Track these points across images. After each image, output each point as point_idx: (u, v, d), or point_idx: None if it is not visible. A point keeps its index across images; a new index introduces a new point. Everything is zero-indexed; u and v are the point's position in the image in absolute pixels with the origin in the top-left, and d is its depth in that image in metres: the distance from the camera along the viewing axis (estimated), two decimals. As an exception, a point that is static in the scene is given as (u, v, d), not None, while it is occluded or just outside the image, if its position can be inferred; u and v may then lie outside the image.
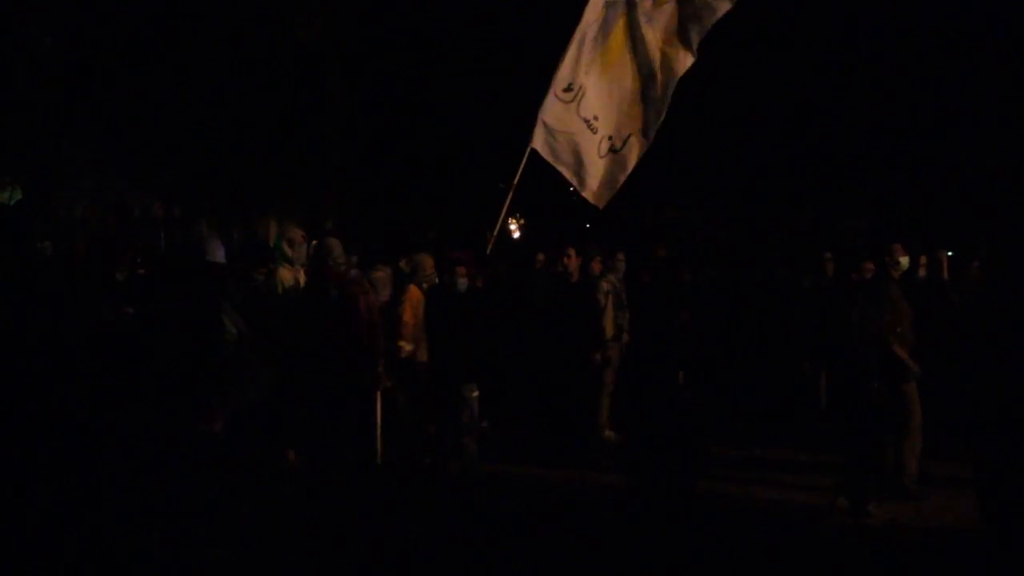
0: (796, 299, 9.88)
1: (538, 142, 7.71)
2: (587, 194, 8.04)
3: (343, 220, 18.29)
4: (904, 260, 8.27)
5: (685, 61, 8.10)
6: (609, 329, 9.45)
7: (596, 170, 7.87)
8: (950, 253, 9.09)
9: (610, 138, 7.87)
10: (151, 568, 6.09)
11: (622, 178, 7.99)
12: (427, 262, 7.96)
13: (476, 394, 8.01)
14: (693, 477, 6.89)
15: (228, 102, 17.49)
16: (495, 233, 7.81)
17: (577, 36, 7.87)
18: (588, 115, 7.73)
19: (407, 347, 8.22)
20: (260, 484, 7.43)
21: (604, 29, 7.91)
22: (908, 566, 6.43)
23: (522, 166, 7.61)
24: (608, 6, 7.90)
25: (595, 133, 7.77)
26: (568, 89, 7.74)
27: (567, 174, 7.90)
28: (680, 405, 7.45)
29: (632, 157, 7.97)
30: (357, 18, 18.73)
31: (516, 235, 17.54)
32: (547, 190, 7.95)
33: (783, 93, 18.08)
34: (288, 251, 9.11)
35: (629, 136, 7.92)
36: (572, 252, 9.66)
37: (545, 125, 7.78)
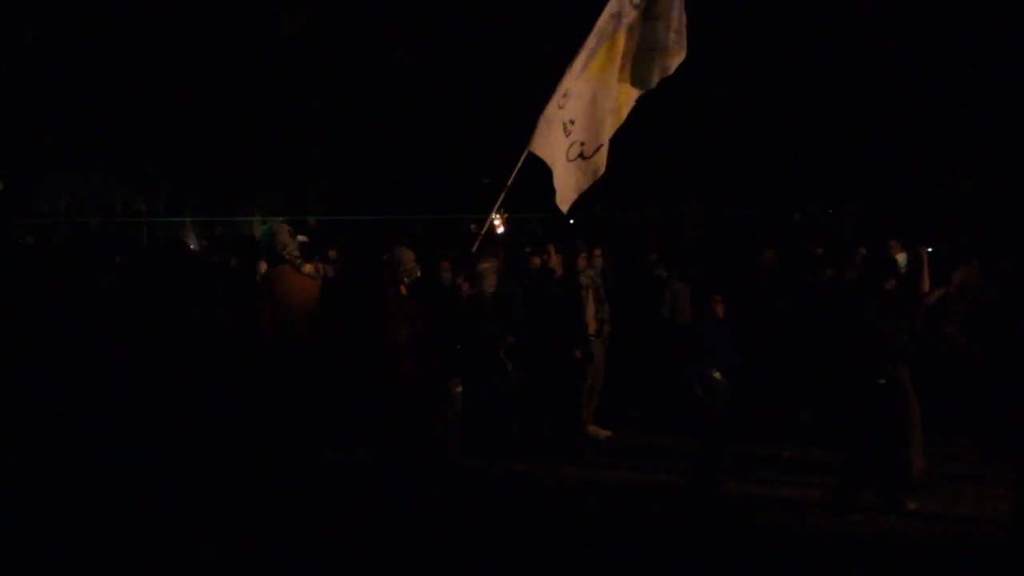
0: (805, 294, 9.82)
1: (536, 144, 7.66)
2: (557, 196, 8.04)
3: (327, 215, 18.27)
4: (901, 257, 8.27)
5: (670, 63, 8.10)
6: (590, 325, 9.46)
7: (561, 173, 7.85)
8: (930, 249, 9.14)
9: (582, 144, 7.84)
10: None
11: (587, 185, 7.97)
12: (407, 256, 7.95)
13: (460, 389, 8.02)
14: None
15: (213, 98, 17.45)
16: (482, 232, 7.78)
17: (584, 47, 7.83)
18: (565, 118, 7.71)
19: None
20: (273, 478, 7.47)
21: (602, 38, 7.88)
22: (917, 561, 6.47)
23: (518, 167, 7.58)
24: (613, 16, 7.86)
25: (567, 136, 7.75)
26: (566, 95, 7.72)
27: (554, 177, 7.89)
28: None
29: (601, 166, 7.96)
30: (342, 15, 18.70)
31: (500, 230, 17.53)
32: (531, 186, 7.91)
33: (770, 89, 18.14)
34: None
35: (600, 147, 7.89)
36: (552, 249, 9.67)
37: (542, 129, 7.73)
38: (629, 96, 8.07)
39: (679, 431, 8.83)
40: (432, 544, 6.55)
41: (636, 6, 7.82)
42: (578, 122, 7.72)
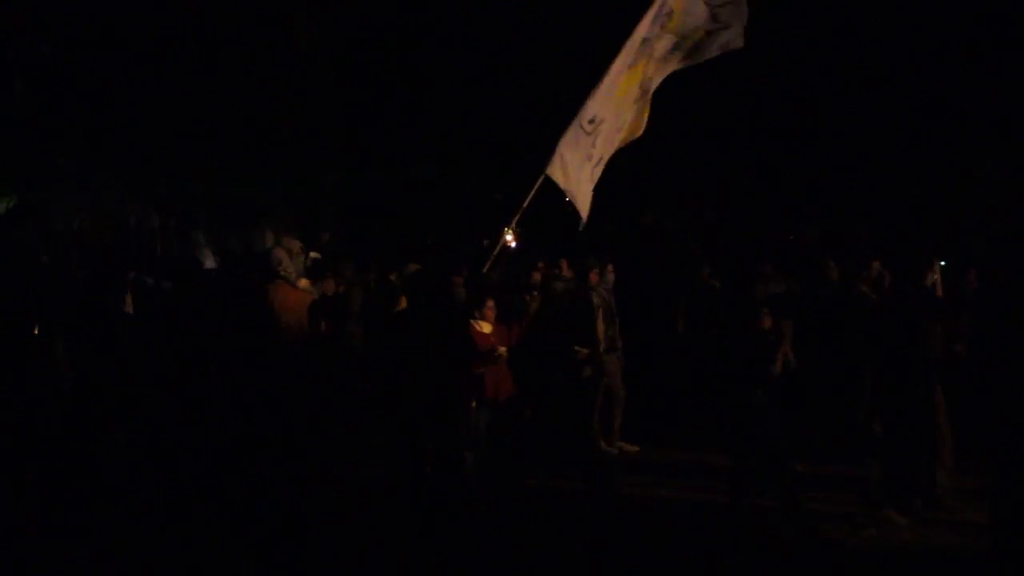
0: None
1: (554, 169, 7.62)
2: (582, 212, 8.03)
3: (340, 230, 18.29)
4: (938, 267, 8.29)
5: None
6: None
7: (584, 197, 7.87)
8: (943, 263, 9.12)
9: (596, 163, 7.87)
10: None
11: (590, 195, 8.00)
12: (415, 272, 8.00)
13: (475, 405, 8.05)
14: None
15: (225, 111, 17.52)
16: (494, 253, 7.81)
17: (611, 71, 7.80)
18: (594, 143, 7.70)
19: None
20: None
21: (635, 61, 7.88)
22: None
23: (533, 191, 7.59)
24: (644, 42, 7.85)
25: (590, 161, 7.75)
26: (592, 121, 7.69)
27: (575, 202, 7.86)
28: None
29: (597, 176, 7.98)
30: (353, 26, 18.77)
31: (512, 244, 17.54)
32: (543, 199, 7.91)
33: (783, 98, 18.12)
34: (285, 261, 9.11)
35: (601, 159, 7.91)
36: (564, 264, 9.70)
37: (563, 155, 7.69)
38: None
39: (706, 447, 8.83)
40: (435, 560, 6.57)
41: (663, 27, 7.83)
42: (599, 145, 7.72)
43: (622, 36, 7.84)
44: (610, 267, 10.39)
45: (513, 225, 7.93)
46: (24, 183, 16.04)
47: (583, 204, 7.83)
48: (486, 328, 8.29)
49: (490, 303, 8.22)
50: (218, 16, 17.64)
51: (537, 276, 10.23)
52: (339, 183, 19.26)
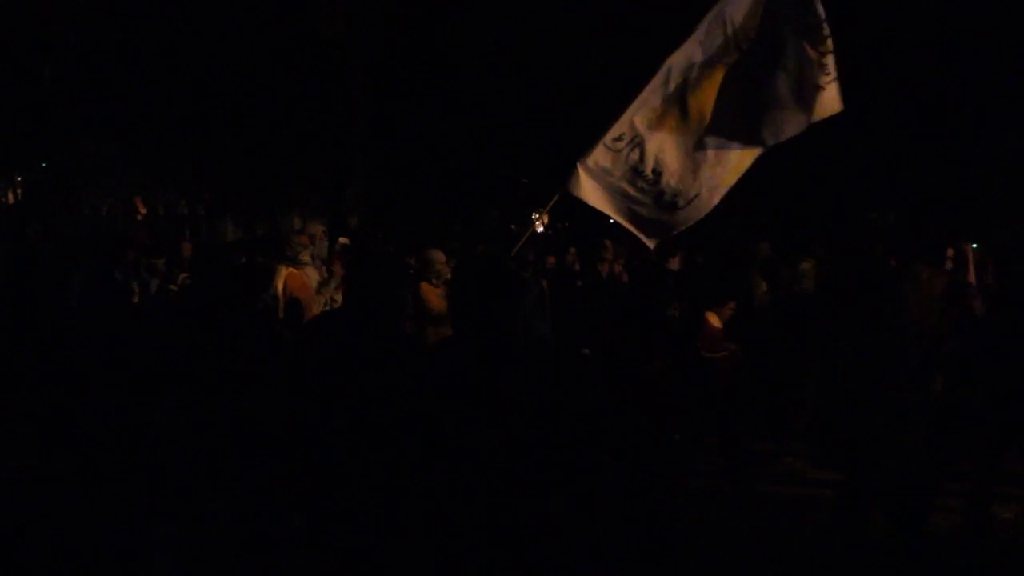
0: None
1: (573, 184, 7.58)
2: (639, 234, 7.93)
3: (367, 215, 18.36)
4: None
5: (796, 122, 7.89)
6: None
7: (652, 214, 7.73)
8: (974, 246, 9.00)
9: (676, 192, 7.74)
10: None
11: (680, 229, 7.87)
12: (437, 257, 7.93)
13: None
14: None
15: (253, 99, 17.59)
16: (514, 253, 7.76)
17: (644, 94, 7.66)
18: (644, 165, 7.58)
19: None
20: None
21: (684, 87, 7.70)
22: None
23: (551, 203, 7.56)
24: (699, 66, 7.68)
25: (654, 184, 7.63)
26: (619, 139, 7.59)
27: (612, 214, 7.78)
28: None
29: (695, 215, 7.83)
30: (380, 15, 18.78)
31: (540, 230, 17.58)
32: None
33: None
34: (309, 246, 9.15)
35: (695, 196, 7.74)
36: (608, 245, 9.59)
37: (588, 170, 7.61)
38: (744, 159, 7.84)
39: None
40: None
41: (741, 50, 7.61)
42: (667, 171, 7.59)
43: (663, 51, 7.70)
44: (677, 255, 10.26)
45: (543, 213, 7.89)
46: (52, 168, 16.17)
47: (638, 221, 7.75)
48: (716, 322, 8.14)
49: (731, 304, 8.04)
50: (246, 4, 17.68)
51: (552, 260, 10.05)
52: (366, 170, 19.29)
